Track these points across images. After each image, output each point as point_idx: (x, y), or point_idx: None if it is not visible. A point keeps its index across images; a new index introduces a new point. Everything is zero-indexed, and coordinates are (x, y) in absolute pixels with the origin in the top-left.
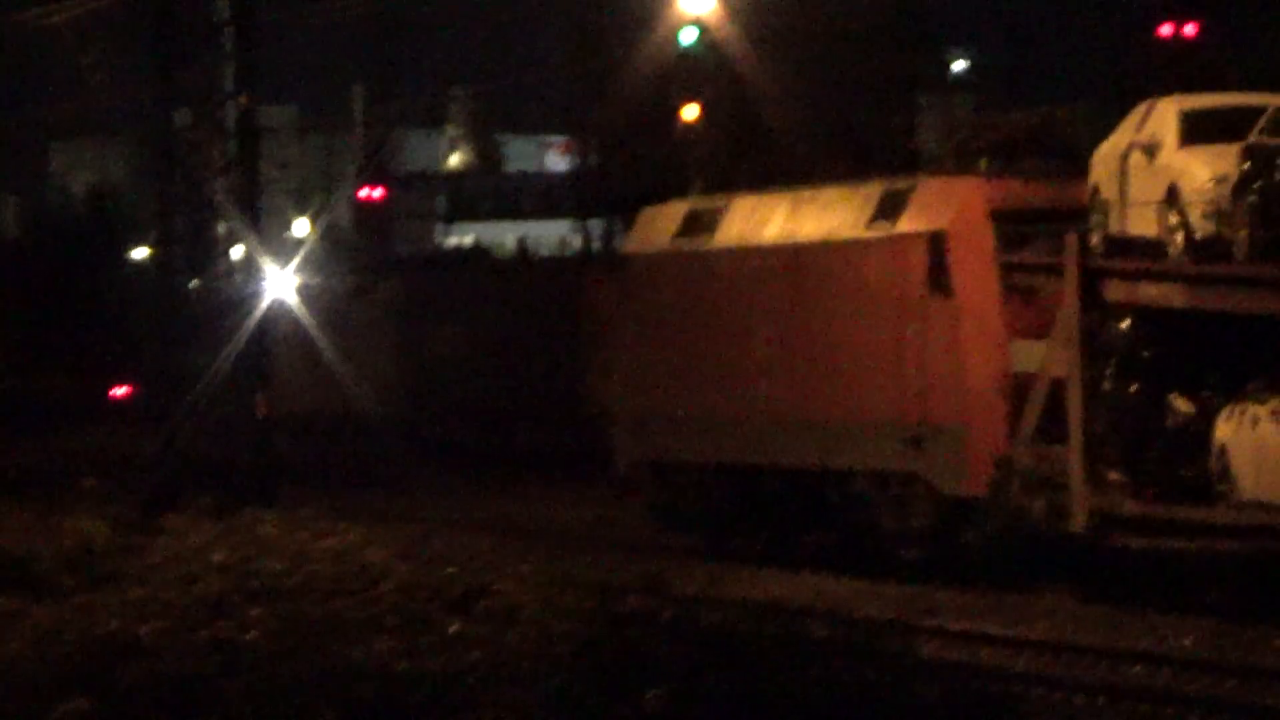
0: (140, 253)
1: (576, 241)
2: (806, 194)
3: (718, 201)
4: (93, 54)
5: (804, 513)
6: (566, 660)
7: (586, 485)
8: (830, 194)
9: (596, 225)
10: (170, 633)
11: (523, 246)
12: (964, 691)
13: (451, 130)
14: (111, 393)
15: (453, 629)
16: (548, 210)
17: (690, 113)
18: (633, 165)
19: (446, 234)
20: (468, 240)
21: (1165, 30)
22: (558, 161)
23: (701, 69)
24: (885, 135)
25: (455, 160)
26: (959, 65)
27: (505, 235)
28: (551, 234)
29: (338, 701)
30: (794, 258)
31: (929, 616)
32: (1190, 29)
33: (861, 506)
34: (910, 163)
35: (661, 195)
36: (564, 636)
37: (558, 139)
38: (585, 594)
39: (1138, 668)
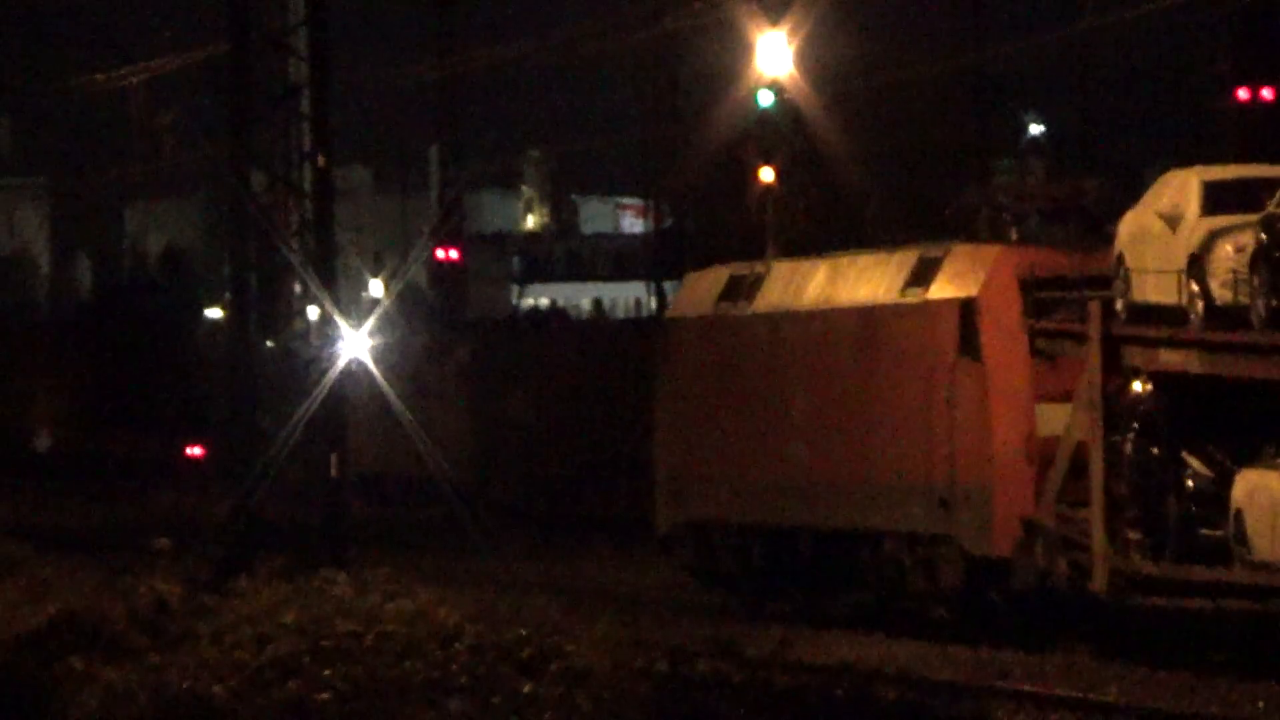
0: (214, 313)
1: (651, 304)
2: (844, 260)
3: (758, 267)
4: (167, 115)
5: (837, 573)
6: None
7: (658, 548)
8: (866, 260)
9: (671, 287)
10: (242, 693)
11: (599, 307)
12: None
13: (527, 191)
14: (185, 453)
15: (524, 690)
16: (622, 272)
17: (767, 175)
18: (708, 227)
19: (521, 295)
20: (543, 302)
21: (1242, 95)
22: (633, 223)
23: (778, 132)
24: (956, 201)
25: (530, 222)
26: (1034, 130)
27: (580, 297)
28: (626, 295)
29: None
30: (829, 322)
31: (1000, 679)
32: (1268, 93)
33: (892, 567)
34: (983, 228)
35: (737, 258)
36: (635, 699)
37: (633, 201)
38: (656, 656)
39: None
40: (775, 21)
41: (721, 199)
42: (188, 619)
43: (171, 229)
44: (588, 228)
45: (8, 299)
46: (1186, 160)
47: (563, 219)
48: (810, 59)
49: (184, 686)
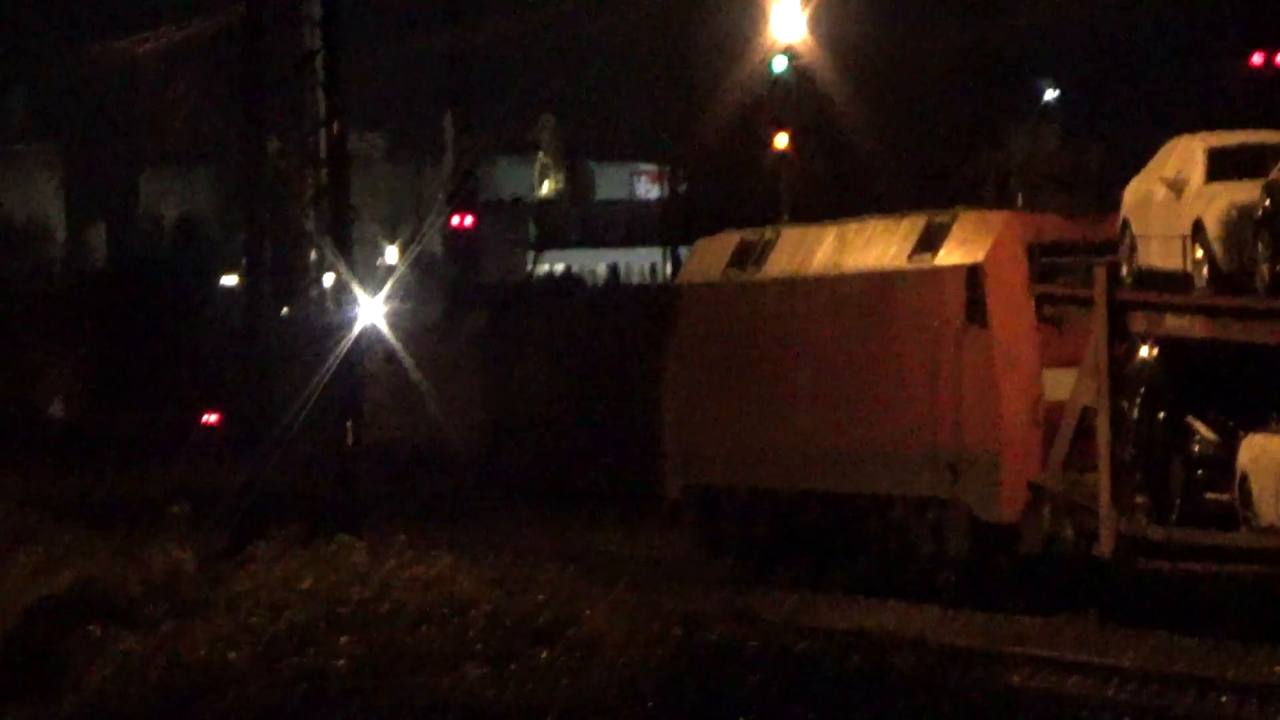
0: (229, 281)
1: (667, 270)
2: (852, 226)
3: (768, 233)
4: (181, 83)
5: (844, 539)
6: (653, 690)
7: (677, 515)
8: (874, 226)
9: (686, 253)
10: (258, 661)
11: (614, 273)
12: None
13: (542, 158)
14: (201, 421)
15: (540, 658)
16: (637, 238)
17: (781, 141)
18: (722, 193)
19: (537, 261)
20: (558, 268)
21: (1257, 60)
22: (648, 189)
23: (792, 98)
24: (963, 167)
25: (546, 188)
26: (1048, 95)
27: (595, 263)
28: (641, 261)
29: None
30: (838, 288)
31: (1015, 644)
32: None
33: (899, 532)
34: (990, 195)
35: (751, 223)
36: (650, 666)
37: (648, 167)
38: (671, 624)
39: (1225, 698)
40: None
41: (736, 165)
42: (203, 587)
43: (186, 197)
44: (603, 194)
45: (22, 267)
46: (1201, 126)
47: (578, 185)
48: (824, 24)
49: (199, 654)
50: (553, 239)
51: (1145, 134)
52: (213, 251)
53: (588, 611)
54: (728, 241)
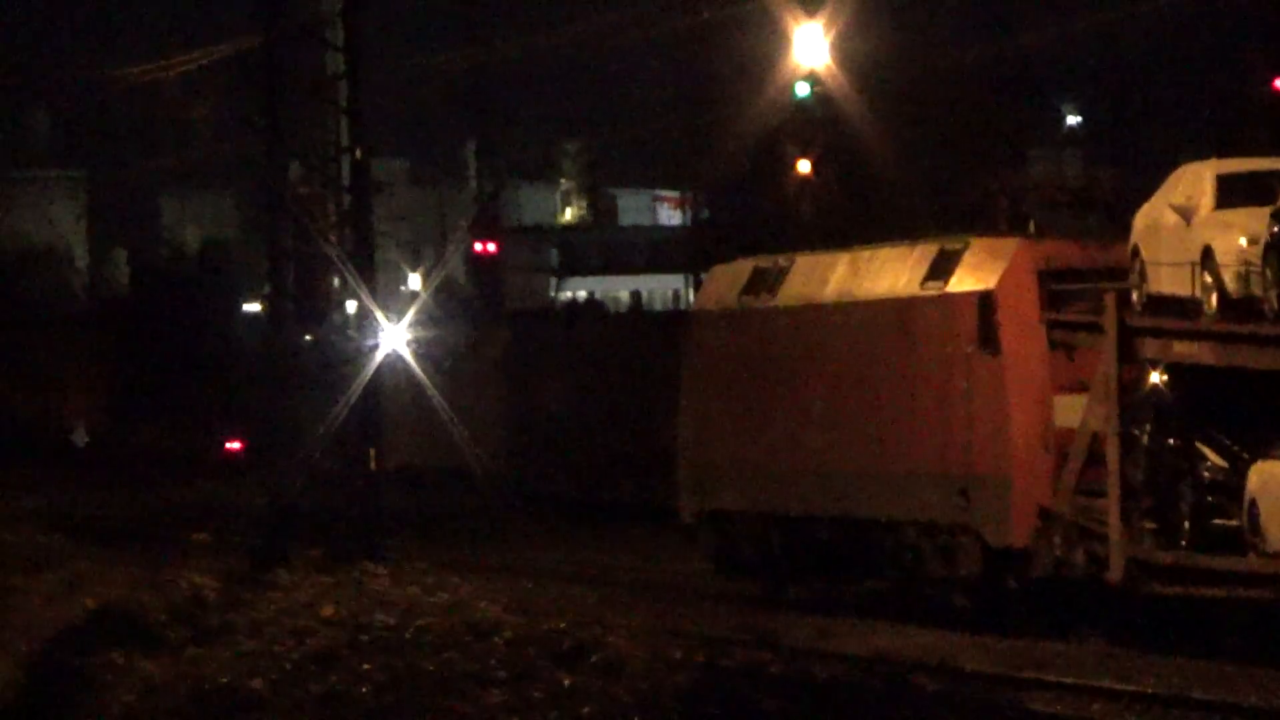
0: (252, 307)
1: (690, 295)
2: (865, 253)
3: (781, 260)
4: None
5: (857, 562)
6: (676, 714)
7: (693, 538)
8: (887, 253)
9: None
10: (281, 686)
11: (637, 299)
12: None
13: (564, 184)
14: (224, 446)
15: (564, 682)
16: (659, 264)
17: (803, 166)
18: (744, 219)
19: (559, 287)
20: (581, 294)
21: (1279, 84)
22: (670, 215)
23: (815, 123)
24: (991, 191)
25: (568, 214)
26: (1070, 120)
27: (617, 289)
28: (664, 287)
29: None
30: (850, 315)
31: (1038, 669)
32: None
33: (911, 555)
34: (1017, 220)
35: (773, 249)
36: (673, 690)
37: (670, 193)
38: (693, 647)
39: None
40: (812, 13)
41: (758, 190)
42: (226, 612)
43: (208, 222)
44: (625, 219)
45: (45, 292)
46: (1221, 150)
47: (600, 211)
48: (847, 50)
49: (222, 680)
50: (575, 265)
51: (1168, 158)
52: (235, 276)
53: (609, 636)
54: (742, 269)
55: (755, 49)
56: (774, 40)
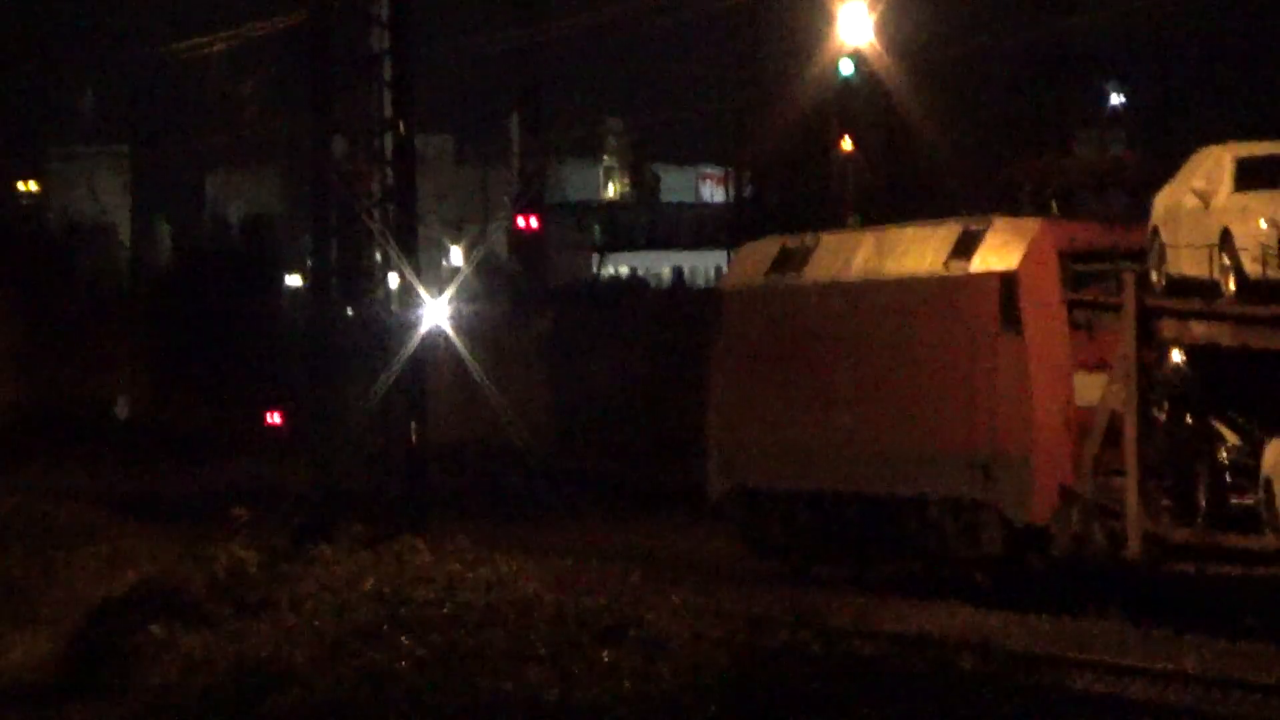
0: (294, 281)
1: None
2: (890, 232)
3: (808, 239)
4: (248, 84)
5: (883, 539)
6: (717, 692)
7: (720, 516)
8: (912, 232)
9: None
10: (322, 661)
11: (679, 276)
12: None
13: (607, 160)
14: (265, 420)
15: (604, 659)
16: (702, 241)
17: (846, 144)
18: (788, 196)
19: (602, 264)
20: (623, 270)
21: None
22: (713, 192)
23: (858, 101)
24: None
25: (611, 190)
26: (1115, 100)
27: (660, 265)
28: (707, 264)
29: None
30: (875, 293)
31: (1079, 649)
32: None
33: (935, 533)
34: (1061, 200)
35: (816, 226)
36: (714, 668)
37: (714, 170)
38: (735, 626)
39: None
40: None
41: (801, 168)
42: (267, 587)
43: (252, 197)
44: (668, 196)
45: (89, 267)
46: (1265, 132)
47: (643, 188)
48: (891, 28)
49: (263, 654)
50: (618, 241)
51: (1213, 140)
52: (278, 251)
53: (650, 614)
54: (770, 247)
55: (800, 27)
56: (819, 18)
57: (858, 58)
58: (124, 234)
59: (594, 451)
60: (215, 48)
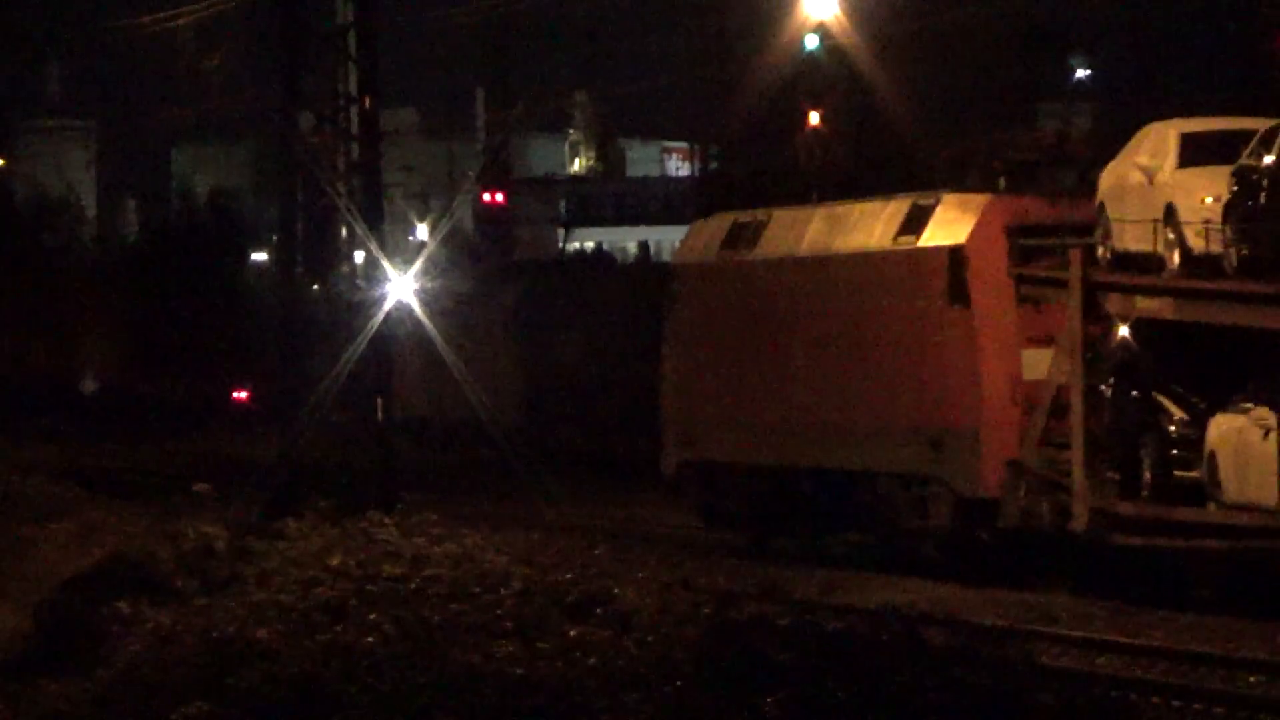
0: (261, 256)
1: None
2: (841, 208)
3: (760, 215)
4: (214, 58)
5: (836, 512)
6: (685, 666)
7: (676, 490)
8: (862, 208)
9: None
10: (289, 637)
11: (645, 250)
12: (1082, 699)
13: (573, 135)
14: (232, 396)
15: (571, 634)
16: (669, 216)
17: (813, 118)
18: (754, 171)
19: (568, 239)
20: (589, 245)
21: None
22: (679, 167)
23: (824, 75)
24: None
25: (577, 165)
26: (1081, 73)
27: (627, 240)
28: (672, 239)
29: (456, 706)
30: (826, 269)
31: (1047, 623)
32: None
33: (886, 506)
34: (1009, 176)
35: (782, 201)
36: (682, 642)
37: (679, 144)
38: (702, 600)
39: (1254, 678)
40: None
41: (768, 142)
42: (234, 562)
43: (219, 172)
44: (634, 171)
45: (55, 242)
46: (1238, 106)
47: (609, 162)
48: (856, 2)
49: (231, 630)
50: (584, 216)
51: (1180, 113)
52: (245, 227)
53: (618, 588)
54: (722, 223)
55: (765, 1)
56: None
57: (823, 31)
58: (90, 209)
59: (561, 425)
60: (181, 21)
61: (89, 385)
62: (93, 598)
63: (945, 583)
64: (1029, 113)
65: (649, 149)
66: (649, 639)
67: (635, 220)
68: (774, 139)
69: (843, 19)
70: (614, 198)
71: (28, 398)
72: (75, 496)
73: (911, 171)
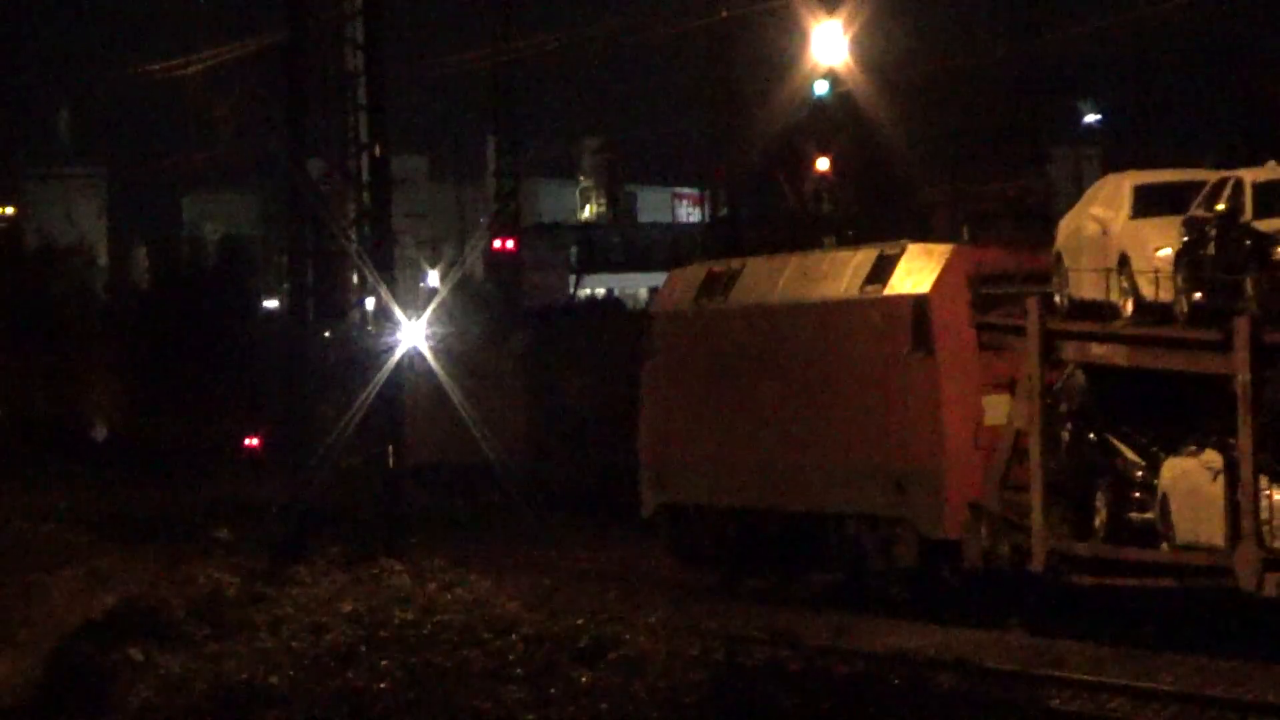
0: (271, 303)
1: None
2: (812, 257)
3: (734, 264)
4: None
5: (805, 553)
6: (695, 711)
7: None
8: (831, 258)
9: None
10: (300, 683)
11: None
12: None
13: (583, 181)
14: (243, 442)
15: (582, 680)
16: (679, 261)
17: (822, 164)
18: (763, 216)
19: (578, 285)
20: (600, 291)
21: None
22: (689, 212)
23: (833, 121)
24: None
25: (587, 211)
26: (1089, 118)
27: (637, 286)
28: None
29: None
30: (796, 317)
31: (1055, 667)
32: None
33: (853, 547)
34: (1037, 219)
35: (791, 247)
36: (692, 687)
37: (689, 190)
38: (712, 645)
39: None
40: (831, 10)
41: (777, 188)
42: (245, 608)
43: (229, 219)
44: (644, 217)
45: (65, 289)
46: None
47: (619, 208)
48: (866, 48)
49: (241, 676)
50: (595, 262)
51: (1187, 158)
52: (255, 273)
53: (628, 633)
54: (697, 272)
55: (775, 47)
56: (793, 39)
57: (833, 77)
58: (101, 256)
59: (570, 470)
60: (191, 69)
61: (100, 432)
62: (103, 644)
63: (958, 628)
64: (1039, 157)
65: (659, 195)
66: (659, 684)
67: (645, 266)
68: (783, 184)
69: (852, 65)
70: (624, 244)
71: (38, 444)
72: (85, 542)
73: (917, 215)
